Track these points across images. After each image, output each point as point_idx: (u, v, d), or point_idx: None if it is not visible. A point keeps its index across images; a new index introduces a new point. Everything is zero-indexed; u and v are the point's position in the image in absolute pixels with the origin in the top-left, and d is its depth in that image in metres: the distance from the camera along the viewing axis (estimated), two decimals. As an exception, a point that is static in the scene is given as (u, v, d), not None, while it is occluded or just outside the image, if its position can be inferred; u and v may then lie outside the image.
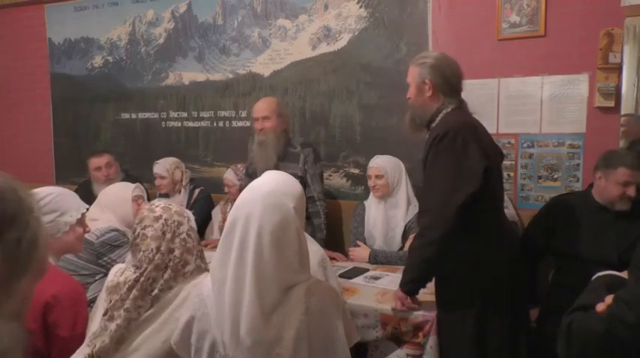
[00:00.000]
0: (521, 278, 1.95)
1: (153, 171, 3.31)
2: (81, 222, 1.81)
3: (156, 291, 1.46)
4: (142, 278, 1.46)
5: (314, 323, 1.26)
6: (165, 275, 1.48)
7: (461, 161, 1.76)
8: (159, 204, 1.57)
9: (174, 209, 1.56)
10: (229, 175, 3.17)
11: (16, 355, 0.77)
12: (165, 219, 1.51)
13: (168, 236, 1.50)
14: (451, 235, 1.76)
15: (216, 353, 1.29)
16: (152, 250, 1.48)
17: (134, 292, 1.46)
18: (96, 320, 1.54)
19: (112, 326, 1.45)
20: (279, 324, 1.24)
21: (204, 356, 1.31)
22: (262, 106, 2.87)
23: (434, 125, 1.91)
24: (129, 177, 3.23)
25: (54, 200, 1.72)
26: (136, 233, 1.52)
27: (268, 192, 1.28)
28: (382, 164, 2.70)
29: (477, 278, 1.82)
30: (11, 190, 0.74)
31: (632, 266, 1.19)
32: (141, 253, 1.49)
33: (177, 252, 1.50)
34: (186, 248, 1.51)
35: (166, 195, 3.32)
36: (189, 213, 1.71)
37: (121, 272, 1.56)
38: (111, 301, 1.50)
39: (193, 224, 1.66)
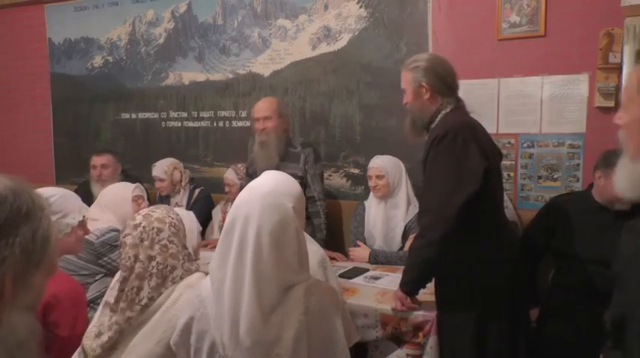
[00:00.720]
0: (521, 278, 1.95)
1: (152, 174, 3.31)
2: (82, 224, 1.81)
3: (145, 300, 1.43)
4: (126, 289, 1.44)
5: (313, 323, 1.26)
6: (152, 283, 1.44)
7: (461, 161, 1.76)
8: (142, 211, 1.55)
9: (156, 216, 1.51)
10: (230, 175, 3.17)
11: (32, 346, 0.82)
12: (143, 227, 1.48)
13: (146, 243, 1.46)
14: (451, 236, 1.75)
15: (216, 354, 1.29)
16: (129, 258, 1.45)
17: (121, 304, 1.43)
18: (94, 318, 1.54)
19: (104, 337, 1.43)
20: (279, 324, 1.24)
21: (204, 357, 1.31)
22: (263, 106, 2.86)
23: (433, 126, 1.91)
24: (128, 177, 3.22)
25: (57, 201, 1.73)
26: (119, 241, 1.51)
27: (267, 192, 1.28)
28: (383, 164, 2.70)
29: (476, 278, 1.82)
30: (25, 191, 0.81)
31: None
32: (122, 263, 1.48)
33: (159, 258, 1.46)
34: (169, 254, 1.47)
35: (167, 197, 3.32)
36: (192, 215, 1.68)
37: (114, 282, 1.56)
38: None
39: (194, 225, 1.63)
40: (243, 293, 1.23)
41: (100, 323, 1.49)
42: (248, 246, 1.24)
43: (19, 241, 0.76)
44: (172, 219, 1.53)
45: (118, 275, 1.56)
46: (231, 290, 1.25)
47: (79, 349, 1.51)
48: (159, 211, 1.54)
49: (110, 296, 1.48)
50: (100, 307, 1.54)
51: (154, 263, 1.45)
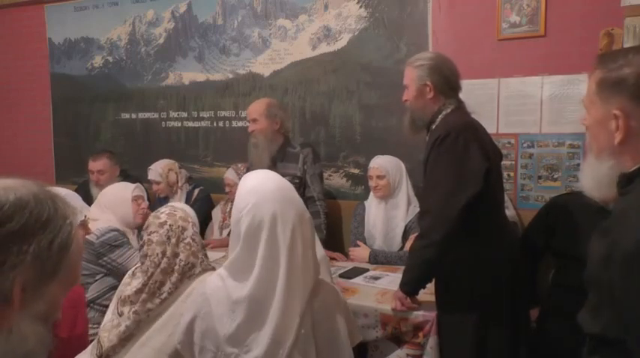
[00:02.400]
0: (521, 278, 1.95)
1: (148, 177, 3.30)
2: (83, 224, 1.82)
3: (165, 294, 1.50)
4: (150, 282, 1.50)
5: (318, 323, 1.26)
6: (173, 279, 1.51)
7: (463, 162, 1.76)
8: (164, 210, 1.62)
9: (179, 214, 1.60)
10: (230, 175, 3.17)
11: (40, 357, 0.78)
12: (170, 225, 1.55)
13: (173, 241, 1.53)
14: (452, 236, 1.75)
15: (220, 352, 1.29)
16: (157, 255, 1.51)
17: (143, 295, 1.49)
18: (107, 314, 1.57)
19: (122, 327, 1.48)
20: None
21: (208, 355, 1.31)
22: (251, 109, 2.88)
23: (434, 126, 1.91)
24: (128, 178, 3.21)
25: None
26: (144, 240, 1.56)
27: (276, 188, 1.30)
28: (383, 164, 2.70)
29: (477, 278, 1.82)
30: (49, 198, 0.79)
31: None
32: (148, 259, 1.52)
33: (182, 256, 1.53)
34: (191, 252, 1.55)
35: (166, 198, 3.31)
36: (194, 216, 1.69)
37: (130, 279, 1.59)
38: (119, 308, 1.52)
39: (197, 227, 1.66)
40: (270, 305, 1.24)
41: (112, 312, 1.54)
42: (280, 246, 1.25)
43: (32, 248, 0.74)
44: (193, 218, 1.62)
45: (130, 273, 1.59)
46: (255, 298, 1.25)
47: (93, 342, 1.53)
48: (180, 210, 1.63)
49: (128, 290, 1.52)
50: (112, 304, 1.57)
51: (177, 260, 1.52)
